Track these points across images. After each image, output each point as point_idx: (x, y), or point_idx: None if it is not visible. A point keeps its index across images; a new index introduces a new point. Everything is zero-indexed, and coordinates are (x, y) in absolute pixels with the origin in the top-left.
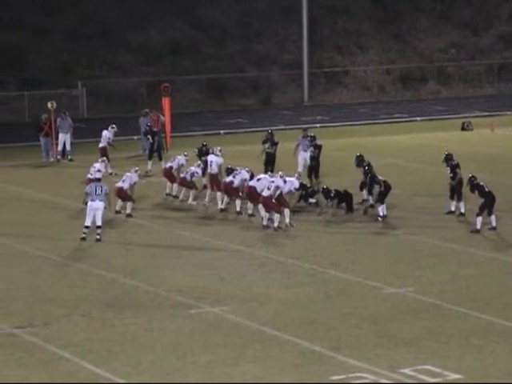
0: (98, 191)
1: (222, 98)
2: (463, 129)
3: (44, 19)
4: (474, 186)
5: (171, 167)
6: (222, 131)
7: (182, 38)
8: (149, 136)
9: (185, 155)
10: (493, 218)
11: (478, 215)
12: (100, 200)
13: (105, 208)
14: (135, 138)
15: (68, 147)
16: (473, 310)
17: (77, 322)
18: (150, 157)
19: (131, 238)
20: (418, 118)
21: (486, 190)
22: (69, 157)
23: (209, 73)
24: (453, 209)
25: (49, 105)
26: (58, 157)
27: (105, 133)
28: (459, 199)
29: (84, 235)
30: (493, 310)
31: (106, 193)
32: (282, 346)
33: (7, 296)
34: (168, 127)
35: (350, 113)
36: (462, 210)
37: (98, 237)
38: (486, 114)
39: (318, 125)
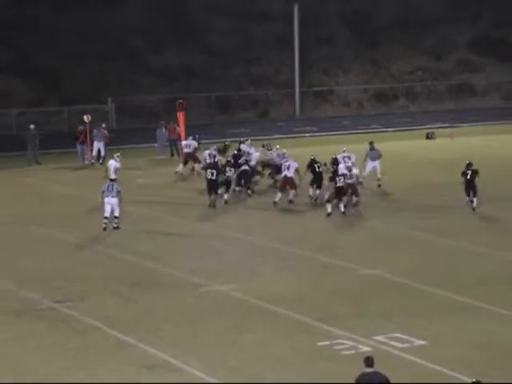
0: (110, 189)
1: (228, 112)
2: (427, 138)
3: (78, 45)
4: None
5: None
6: (227, 140)
7: (194, 62)
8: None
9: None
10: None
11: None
12: (113, 196)
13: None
14: (155, 145)
15: (103, 153)
16: (437, 288)
17: (107, 298)
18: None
19: (150, 228)
20: (390, 129)
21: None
22: (101, 161)
23: (216, 91)
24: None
25: (85, 118)
26: (93, 161)
27: (112, 162)
28: (474, 194)
29: (104, 225)
30: (452, 287)
31: (118, 190)
32: (277, 318)
33: (48, 276)
34: (183, 136)
35: (334, 125)
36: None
37: (115, 225)
38: (447, 125)
39: (307, 134)
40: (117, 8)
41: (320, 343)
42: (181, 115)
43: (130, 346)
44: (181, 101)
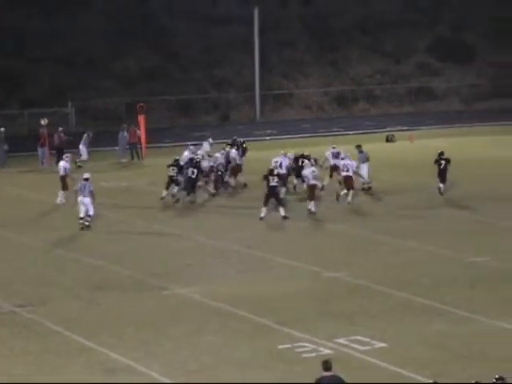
0: (83, 188)
1: (189, 115)
2: (387, 140)
3: (39, 49)
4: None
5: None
6: (188, 143)
7: (154, 66)
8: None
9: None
10: None
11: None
12: (85, 196)
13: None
14: (116, 148)
15: (85, 158)
16: (395, 290)
17: (68, 302)
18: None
19: (113, 231)
20: (351, 132)
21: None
22: (79, 163)
23: (177, 94)
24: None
25: (42, 121)
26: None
27: (62, 163)
28: (444, 181)
29: (81, 225)
30: (412, 289)
31: (90, 190)
32: (238, 321)
33: (10, 280)
34: (143, 140)
35: (295, 128)
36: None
37: (86, 223)
38: (406, 128)
39: (268, 137)
40: (77, 12)
41: (281, 346)
42: (141, 118)
43: (91, 349)
44: (141, 104)
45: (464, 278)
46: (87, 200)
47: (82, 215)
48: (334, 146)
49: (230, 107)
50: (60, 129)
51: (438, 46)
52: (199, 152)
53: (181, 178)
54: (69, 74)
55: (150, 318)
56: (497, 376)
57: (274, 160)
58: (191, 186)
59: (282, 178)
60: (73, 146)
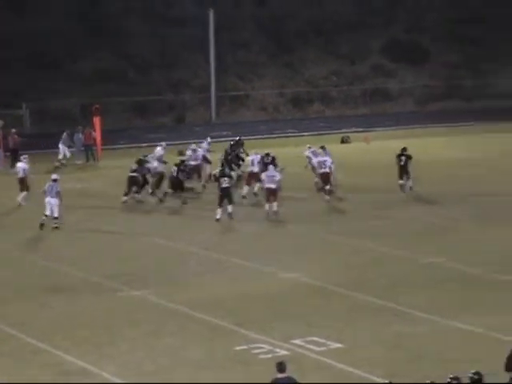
0: (50, 189)
1: (144, 116)
2: (343, 142)
3: None
4: None
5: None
6: (144, 144)
7: (110, 67)
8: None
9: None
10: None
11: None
12: (52, 197)
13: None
14: (72, 150)
15: (67, 155)
16: (351, 291)
17: (22, 305)
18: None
19: (68, 232)
20: (306, 133)
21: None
22: (63, 162)
23: (133, 96)
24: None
25: None
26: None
27: (20, 165)
28: (408, 177)
29: (43, 222)
30: (368, 290)
31: (57, 191)
32: (194, 323)
33: None
34: (99, 141)
35: (251, 129)
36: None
37: (55, 225)
38: (362, 129)
39: (224, 139)
40: (32, 13)
41: (237, 347)
42: (97, 120)
43: (45, 352)
44: (97, 106)
45: (420, 279)
46: (54, 201)
47: (47, 213)
48: (309, 145)
49: (185, 109)
50: (13, 130)
51: (393, 47)
52: (149, 156)
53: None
54: (23, 75)
55: (105, 320)
56: (451, 376)
57: (248, 158)
58: (178, 185)
59: (254, 176)
60: (29, 147)
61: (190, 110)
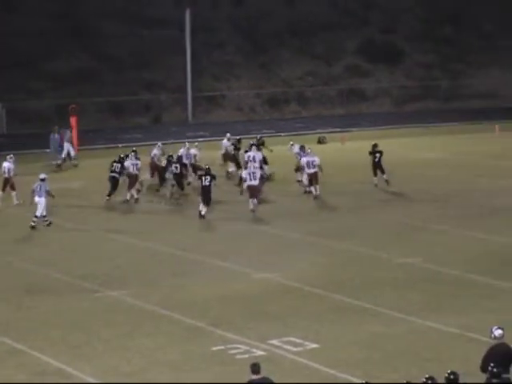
0: (38, 189)
1: (120, 117)
2: (319, 142)
3: None
4: None
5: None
6: (120, 145)
7: (85, 67)
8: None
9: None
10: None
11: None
12: (40, 196)
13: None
14: (47, 150)
15: (72, 153)
16: (328, 291)
17: None
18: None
19: (44, 233)
20: (282, 134)
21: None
22: (75, 162)
23: (108, 96)
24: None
25: None
26: None
27: (5, 164)
28: (383, 172)
29: (33, 224)
30: (344, 291)
31: (46, 190)
32: (171, 323)
33: None
34: (75, 142)
35: (227, 129)
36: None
37: (46, 223)
38: (338, 130)
39: (200, 139)
40: (8, 12)
41: (214, 348)
42: (73, 120)
43: (21, 352)
44: (73, 106)
45: (396, 279)
46: (42, 200)
47: (37, 214)
48: (291, 142)
49: (161, 109)
50: None
51: (368, 47)
52: (122, 155)
53: (169, 175)
54: None
55: (81, 321)
56: (427, 376)
57: (246, 155)
58: (177, 181)
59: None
60: (6, 147)
61: (167, 111)
